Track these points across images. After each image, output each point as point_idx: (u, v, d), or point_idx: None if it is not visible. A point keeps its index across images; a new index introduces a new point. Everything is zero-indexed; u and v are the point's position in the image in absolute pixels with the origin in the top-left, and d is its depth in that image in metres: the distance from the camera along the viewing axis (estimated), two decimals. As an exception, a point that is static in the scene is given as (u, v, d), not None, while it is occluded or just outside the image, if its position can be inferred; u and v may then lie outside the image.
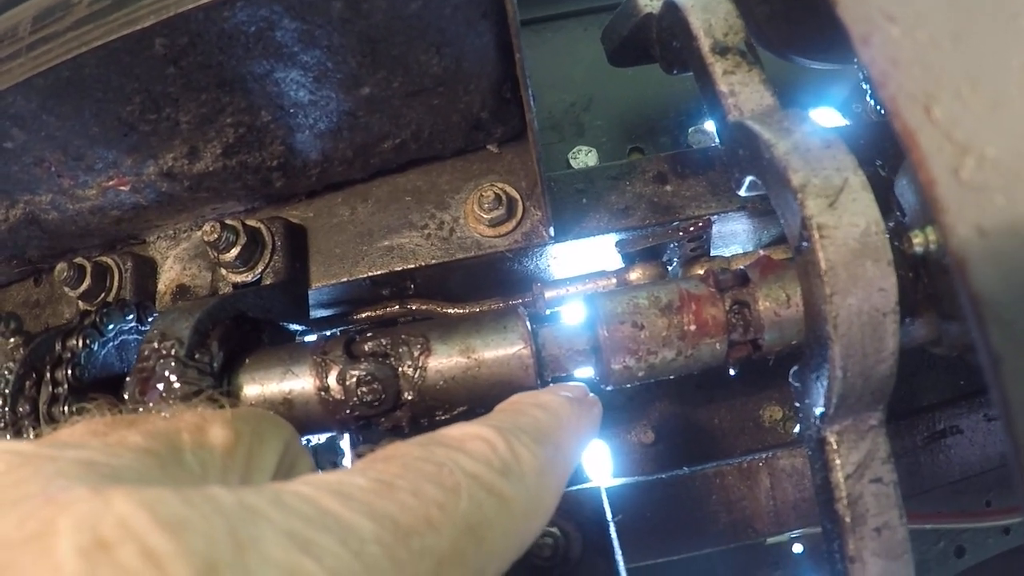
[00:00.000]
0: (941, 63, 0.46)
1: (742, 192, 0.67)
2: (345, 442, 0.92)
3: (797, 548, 1.09)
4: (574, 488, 0.72)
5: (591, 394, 0.59)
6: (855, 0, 0.48)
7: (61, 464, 0.32)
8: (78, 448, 0.34)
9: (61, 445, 0.35)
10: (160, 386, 0.59)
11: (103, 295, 0.79)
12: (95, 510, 0.26)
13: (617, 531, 0.67)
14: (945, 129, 0.44)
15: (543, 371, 0.64)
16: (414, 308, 0.79)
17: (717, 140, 1.14)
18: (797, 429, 0.94)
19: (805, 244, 0.54)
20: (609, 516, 0.67)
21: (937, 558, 1.08)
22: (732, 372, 0.68)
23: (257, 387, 0.64)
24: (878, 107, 0.85)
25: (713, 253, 0.77)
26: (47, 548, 0.25)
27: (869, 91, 0.85)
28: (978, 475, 0.81)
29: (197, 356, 0.62)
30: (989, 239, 0.42)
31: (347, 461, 0.93)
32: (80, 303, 0.80)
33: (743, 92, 0.66)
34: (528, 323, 0.63)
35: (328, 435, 0.70)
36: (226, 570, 0.25)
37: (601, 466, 0.95)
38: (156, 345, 0.62)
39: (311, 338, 0.82)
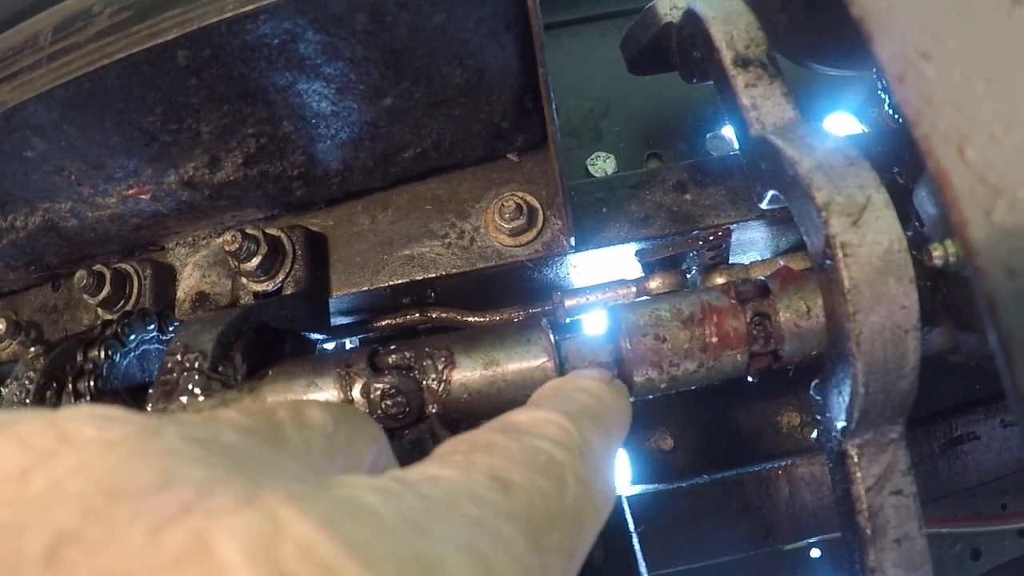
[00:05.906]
0: (975, 104, 0.46)
1: (763, 205, 0.67)
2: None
3: (815, 553, 1.09)
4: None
5: (616, 379, 0.57)
6: (890, 37, 0.48)
7: (170, 440, 0.28)
8: (178, 423, 0.30)
9: (159, 418, 0.30)
10: (184, 399, 0.60)
11: (122, 303, 0.79)
12: (261, 528, 0.22)
13: (639, 541, 0.67)
14: (978, 171, 0.44)
15: (566, 383, 0.64)
16: (434, 316, 0.79)
17: (735, 146, 1.14)
18: (815, 435, 0.95)
19: (828, 262, 0.55)
20: (632, 527, 0.68)
21: (953, 561, 1.09)
22: (750, 379, 0.69)
23: (281, 399, 0.64)
24: (895, 115, 0.85)
25: (731, 260, 0.77)
26: None
27: (887, 99, 0.85)
28: (994, 480, 0.81)
29: (221, 368, 0.62)
30: (1020, 280, 0.42)
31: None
32: (99, 310, 0.80)
33: (765, 105, 0.66)
34: (552, 336, 0.64)
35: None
36: None
37: (620, 473, 0.95)
38: (179, 357, 0.62)
39: (331, 346, 0.82)
